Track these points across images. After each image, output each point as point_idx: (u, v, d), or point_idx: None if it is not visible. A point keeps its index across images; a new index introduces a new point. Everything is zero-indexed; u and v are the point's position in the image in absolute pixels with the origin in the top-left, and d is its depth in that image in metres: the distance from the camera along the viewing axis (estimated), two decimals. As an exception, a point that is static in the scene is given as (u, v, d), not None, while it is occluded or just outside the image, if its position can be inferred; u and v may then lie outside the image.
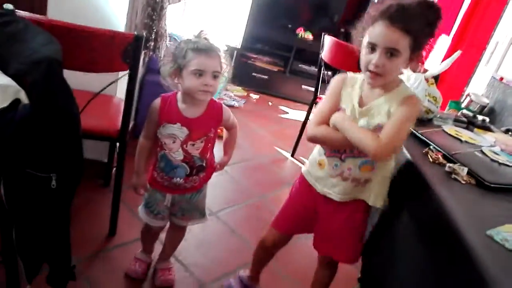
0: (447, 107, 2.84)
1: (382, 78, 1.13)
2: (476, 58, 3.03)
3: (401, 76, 1.79)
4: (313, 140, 1.27)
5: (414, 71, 1.42)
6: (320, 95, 2.97)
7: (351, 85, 1.24)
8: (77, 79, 1.49)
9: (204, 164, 1.41)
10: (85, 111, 1.41)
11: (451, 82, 3.22)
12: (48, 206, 1.10)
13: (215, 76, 1.28)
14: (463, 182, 1.24)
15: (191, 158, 1.37)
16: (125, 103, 1.56)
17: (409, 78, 1.76)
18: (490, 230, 0.99)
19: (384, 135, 1.13)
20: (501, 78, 2.65)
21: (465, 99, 2.71)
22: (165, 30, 2.06)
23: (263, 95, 4.44)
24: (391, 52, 1.08)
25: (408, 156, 1.36)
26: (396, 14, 1.06)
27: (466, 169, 1.27)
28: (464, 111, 2.24)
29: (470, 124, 1.84)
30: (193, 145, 1.35)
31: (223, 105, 1.41)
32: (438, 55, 3.44)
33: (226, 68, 1.34)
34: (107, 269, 1.65)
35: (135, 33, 1.44)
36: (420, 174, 1.24)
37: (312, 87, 3.92)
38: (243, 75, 4.30)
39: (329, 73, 5.31)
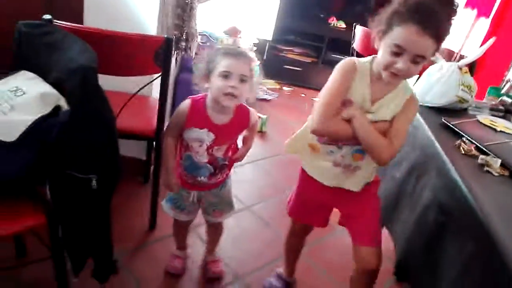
0: (486, 94, 2.75)
1: (402, 79, 1.13)
2: (516, 41, 2.89)
3: (433, 65, 1.77)
4: (323, 134, 1.21)
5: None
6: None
7: (361, 76, 1.17)
8: (114, 81, 1.58)
9: (226, 162, 1.43)
10: (123, 112, 1.49)
11: (491, 67, 3.09)
12: (89, 205, 1.17)
13: (242, 80, 1.26)
14: (496, 174, 1.21)
15: (215, 160, 1.39)
16: (159, 103, 1.62)
17: (442, 67, 1.73)
18: (522, 223, 0.98)
19: (394, 140, 1.15)
20: (545, 61, 2.53)
21: (505, 84, 2.60)
22: (196, 29, 2.11)
23: (296, 87, 4.43)
24: (418, 60, 1.05)
25: (440, 149, 1.34)
26: (428, 19, 1.01)
27: (499, 161, 1.25)
28: (504, 97, 2.16)
29: (507, 112, 1.78)
30: (219, 149, 1.37)
31: (250, 110, 1.41)
32: (477, 40, 3.31)
33: (257, 76, 1.33)
34: (149, 261, 1.72)
35: (165, 35, 1.48)
36: (452, 167, 1.23)
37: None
38: (275, 68, 4.30)
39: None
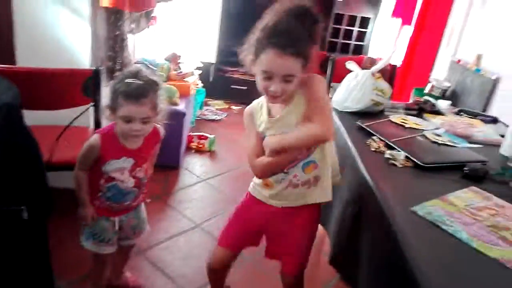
0: (411, 95, 2.97)
1: (281, 98, 1.17)
2: (436, 44, 3.16)
3: (350, 74, 1.93)
4: (266, 176, 1.29)
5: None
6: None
7: (260, 109, 1.27)
8: (50, 115, 1.63)
9: (146, 180, 1.49)
10: (61, 144, 1.55)
11: (417, 70, 3.34)
12: (23, 237, 1.21)
13: (145, 121, 1.31)
14: (400, 166, 1.35)
15: (139, 181, 1.45)
16: (94, 131, 1.68)
17: (358, 74, 1.89)
18: (415, 206, 1.11)
19: (319, 118, 1.14)
20: (459, 61, 2.78)
21: (427, 85, 2.83)
22: (130, 59, 2.20)
23: (244, 105, 4.52)
24: (287, 79, 1.11)
25: (353, 148, 1.48)
26: (285, 41, 1.07)
27: (403, 154, 1.39)
28: (426, 97, 2.36)
29: (421, 110, 1.96)
30: (140, 169, 1.43)
31: (159, 129, 1.47)
32: (402, 45, 3.57)
33: (163, 104, 1.37)
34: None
35: (100, 67, 1.56)
36: (361, 163, 1.36)
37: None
38: (222, 88, 4.43)
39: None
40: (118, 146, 1.37)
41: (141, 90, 1.28)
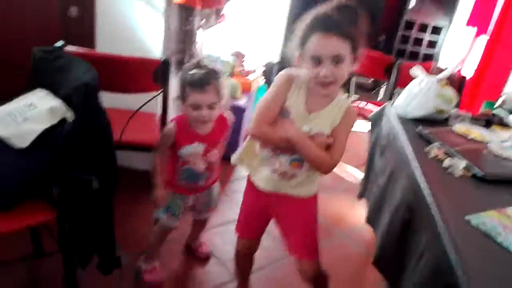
0: (481, 108, 2.83)
1: (334, 85, 1.16)
2: (512, 56, 2.98)
3: (415, 79, 1.89)
4: (257, 138, 1.29)
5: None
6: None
7: (298, 88, 1.23)
8: (123, 100, 1.77)
9: (218, 164, 1.62)
10: (131, 127, 1.68)
11: (490, 82, 3.17)
12: (92, 204, 1.33)
13: (211, 107, 1.42)
14: (457, 176, 1.31)
15: (211, 164, 1.58)
16: (161, 117, 1.80)
17: (422, 81, 1.85)
18: (470, 215, 1.08)
19: (336, 156, 1.21)
20: (537, 75, 2.60)
21: (499, 99, 2.68)
22: (197, 53, 2.31)
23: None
24: (336, 60, 1.11)
25: (411, 154, 1.45)
26: (329, 23, 1.10)
27: (463, 163, 1.35)
28: (496, 110, 2.25)
29: (488, 122, 1.88)
30: (211, 153, 1.55)
31: (227, 116, 1.58)
32: (475, 56, 3.40)
33: (226, 90, 1.47)
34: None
35: (163, 58, 1.67)
36: (419, 169, 1.34)
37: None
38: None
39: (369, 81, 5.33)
40: (191, 132, 1.49)
41: (204, 79, 1.39)
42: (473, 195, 1.25)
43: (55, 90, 1.38)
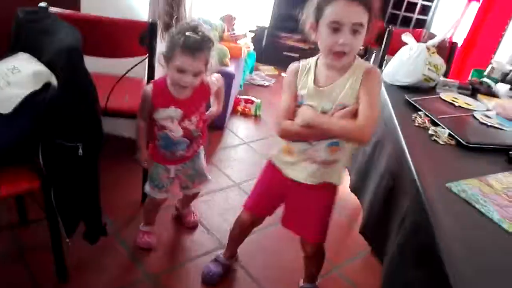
0: (470, 76, 2.84)
1: (347, 57, 1.14)
2: (503, 25, 2.96)
3: (405, 46, 1.88)
4: (283, 136, 1.29)
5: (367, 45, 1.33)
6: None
7: (306, 72, 1.24)
8: (108, 64, 1.73)
9: (200, 133, 1.58)
10: (115, 93, 1.65)
11: (480, 50, 3.17)
12: (78, 170, 1.33)
13: (196, 74, 1.39)
14: (442, 143, 1.33)
15: (189, 132, 1.53)
16: (147, 83, 1.77)
17: (412, 48, 1.84)
18: (451, 182, 1.10)
19: (362, 118, 1.13)
20: (526, 44, 2.60)
21: (488, 66, 2.69)
22: (185, 16, 2.25)
23: (294, 73, 4.52)
24: (356, 29, 1.10)
25: (397, 122, 1.46)
26: None
27: (447, 131, 1.37)
28: (485, 79, 2.25)
29: (475, 91, 1.89)
30: (190, 121, 1.51)
31: (209, 83, 1.53)
32: (466, 23, 3.38)
33: (214, 61, 1.44)
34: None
35: (150, 20, 1.63)
36: (402, 137, 1.35)
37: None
38: (274, 54, 4.42)
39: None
40: (168, 95, 1.46)
41: (198, 45, 1.35)
42: (456, 162, 1.28)
43: (38, 54, 1.34)
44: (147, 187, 1.68)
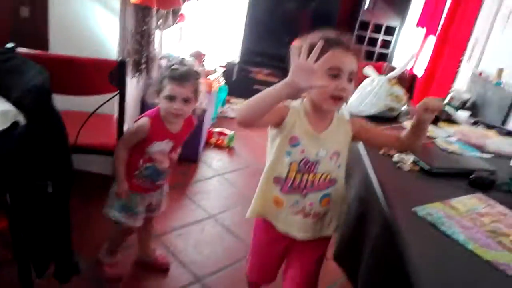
0: (431, 105, 2.96)
1: (342, 102, 1.17)
2: (459, 56, 3.15)
3: (367, 79, 1.97)
4: (245, 120, 1.14)
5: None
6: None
7: (297, 115, 1.20)
8: (79, 102, 1.73)
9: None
10: (87, 129, 1.64)
11: (439, 80, 3.34)
12: (47, 209, 1.30)
13: (186, 101, 1.46)
14: (407, 169, 1.39)
15: (173, 162, 1.61)
16: (118, 119, 1.78)
17: (374, 80, 1.93)
18: (417, 207, 1.14)
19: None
20: (480, 73, 2.77)
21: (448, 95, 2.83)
22: (154, 54, 2.29)
23: (265, 105, 4.61)
24: (351, 78, 1.15)
25: (363, 152, 1.52)
26: (346, 42, 1.15)
27: (412, 158, 1.43)
28: (446, 107, 2.37)
29: (436, 119, 1.98)
30: (175, 152, 1.59)
31: (193, 116, 1.61)
32: (425, 55, 3.57)
33: (203, 91, 1.53)
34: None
35: (120, 59, 1.65)
36: (370, 165, 1.40)
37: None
38: (245, 88, 4.49)
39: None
40: (164, 129, 1.51)
41: (185, 74, 1.45)
42: (420, 188, 1.33)
43: (5, 93, 1.33)
44: (119, 215, 1.61)
